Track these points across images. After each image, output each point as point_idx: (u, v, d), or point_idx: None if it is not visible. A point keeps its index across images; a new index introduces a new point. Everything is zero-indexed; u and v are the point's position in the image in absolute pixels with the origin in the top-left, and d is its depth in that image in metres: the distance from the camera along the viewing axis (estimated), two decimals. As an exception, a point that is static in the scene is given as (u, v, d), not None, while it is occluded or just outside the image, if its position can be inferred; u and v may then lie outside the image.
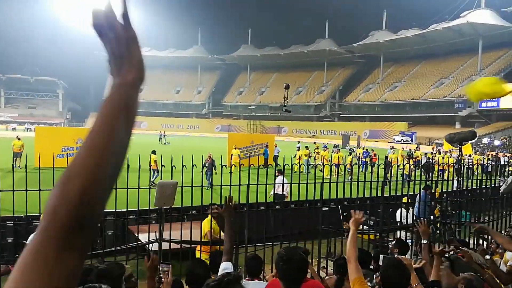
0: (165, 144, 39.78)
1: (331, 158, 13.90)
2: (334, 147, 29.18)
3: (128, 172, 4.58)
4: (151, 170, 14.30)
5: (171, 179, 5.18)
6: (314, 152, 24.56)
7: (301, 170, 14.76)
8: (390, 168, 10.93)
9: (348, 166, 10.24)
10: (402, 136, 53.34)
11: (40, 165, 4.99)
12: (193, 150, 18.09)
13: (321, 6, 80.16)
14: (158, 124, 72.95)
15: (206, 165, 14.33)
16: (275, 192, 8.59)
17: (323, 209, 6.77)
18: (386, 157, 13.59)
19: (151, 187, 5.68)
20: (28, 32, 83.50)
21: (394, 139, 53.39)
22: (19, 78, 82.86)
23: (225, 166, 5.92)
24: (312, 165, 18.98)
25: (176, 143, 40.92)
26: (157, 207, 5.26)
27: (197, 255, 5.87)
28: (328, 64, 77.02)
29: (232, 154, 20.34)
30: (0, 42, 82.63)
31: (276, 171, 10.69)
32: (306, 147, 24.61)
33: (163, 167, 5.88)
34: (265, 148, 23.32)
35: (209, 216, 5.96)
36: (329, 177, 6.63)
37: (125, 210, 5.67)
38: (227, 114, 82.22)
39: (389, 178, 9.11)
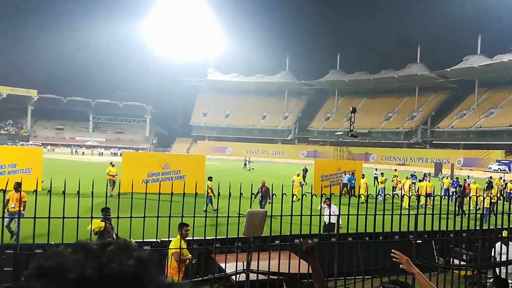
0: (249, 170, 39.97)
1: (417, 188, 12.85)
2: (424, 176, 26.72)
3: (218, 200, 4.78)
4: (207, 197, 14.10)
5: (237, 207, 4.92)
6: (393, 180, 22.98)
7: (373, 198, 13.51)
8: (463, 198, 10.62)
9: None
10: (499, 165, 50.13)
11: (120, 190, 4.98)
12: (278, 177, 17.51)
13: (412, 30, 77.43)
14: (243, 149, 74.68)
15: (261, 193, 14.03)
16: (326, 222, 8.46)
17: (417, 241, 6.41)
18: (461, 186, 12.48)
19: (238, 215, 5.45)
20: (119, 59, 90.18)
21: (490, 167, 50.62)
22: (108, 104, 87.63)
23: (285, 194, 5.45)
24: (388, 194, 17.32)
25: (261, 169, 41.10)
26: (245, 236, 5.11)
27: None
28: (419, 89, 73.88)
29: (293, 181, 19.46)
30: (92, 68, 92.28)
31: (327, 200, 9.93)
32: (382, 173, 23.31)
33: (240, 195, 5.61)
34: (350, 176, 22.18)
35: (177, 236, 5.95)
36: (407, 207, 6.47)
37: (210, 238, 5.85)
38: (313, 140, 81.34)
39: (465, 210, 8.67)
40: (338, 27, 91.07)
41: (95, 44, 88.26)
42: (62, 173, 14.57)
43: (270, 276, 5.24)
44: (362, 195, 16.04)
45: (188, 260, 6.36)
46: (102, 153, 69.46)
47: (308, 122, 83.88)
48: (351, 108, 21.08)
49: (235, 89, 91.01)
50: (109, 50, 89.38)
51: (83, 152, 69.01)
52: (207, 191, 14.14)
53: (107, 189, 15.23)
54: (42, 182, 15.01)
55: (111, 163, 19.35)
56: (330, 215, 8.00)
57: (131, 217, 4.65)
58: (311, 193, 5.29)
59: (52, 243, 5.30)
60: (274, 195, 5.75)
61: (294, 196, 6.54)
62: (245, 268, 4.97)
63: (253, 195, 5.61)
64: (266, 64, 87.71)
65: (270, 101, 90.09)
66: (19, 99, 79.98)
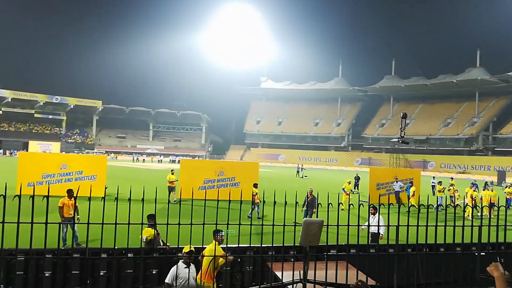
0: (302, 177, 39.91)
1: (480, 197, 12.21)
2: (485, 185, 24.99)
3: (263, 207, 4.89)
4: (253, 204, 13.90)
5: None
6: (449, 189, 21.64)
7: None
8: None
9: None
10: None
11: (179, 197, 5.36)
12: (331, 184, 17.15)
13: (472, 34, 73.42)
14: (295, 156, 74.53)
15: (307, 202, 13.52)
16: (371, 231, 8.31)
17: (481, 254, 6.14)
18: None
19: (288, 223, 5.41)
20: (177, 70, 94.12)
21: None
22: (166, 113, 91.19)
23: (331, 204, 5.27)
24: (450, 205, 16.36)
25: (314, 176, 40.91)
26: (301, 245, 5.09)
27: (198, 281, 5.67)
28: (480, 94, 69.50)
29: (343, 189, 19.22)
30: (152, 79, 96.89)
31: (371, 208, 9.53)
32: (440, 182, 22.06)
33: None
34: (408, 185, 21.26)
35: (213, 242, 5.98)
36: (469, 218, 6.44)
37: (264, 245, 5.73)
38: (367, 147, 79.29)
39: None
40: (392, 32, 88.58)
41: (155, 56, 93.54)
42: (125, 180, 15.44)
43: (327, 287, 5.15)
44: (413, 205, 15.65)
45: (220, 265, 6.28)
46: (161, 160, 73.02)
47: (362, 129, 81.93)
48: (402, 113, 20.39)
49: (288, 97, 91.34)
50: (168, 62, 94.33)
51: (144, 160, 72.79)
52: (253, 198, 14.30)
53: (169, 196, 15.90)
54: (106, 188, 16.16)
55: (171, 170, 19.63)
56: (369, 225, 7.89)
57: (179, 224, 4.75)
58: (368, 202, 5.32)
59: (116, 247, 5.75)
60: (319, 204, 5.65)
61: (341, 205, 6.38)
62: (301, 277, 4.93)
63: (297, 203, 5.63)
64: (319, 71, 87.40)
65: (323, 108, 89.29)
66: (85, 110, 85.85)
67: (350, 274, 5.08)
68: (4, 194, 4.40)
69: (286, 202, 4.99)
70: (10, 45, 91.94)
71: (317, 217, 9.39)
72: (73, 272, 6.40)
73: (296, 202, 5.12)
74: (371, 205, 9.35)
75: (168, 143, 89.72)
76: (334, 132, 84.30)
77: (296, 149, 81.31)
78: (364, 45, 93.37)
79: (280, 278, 5.92)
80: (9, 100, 76.89)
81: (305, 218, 4.71)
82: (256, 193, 14.34)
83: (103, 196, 4.83)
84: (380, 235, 8.76)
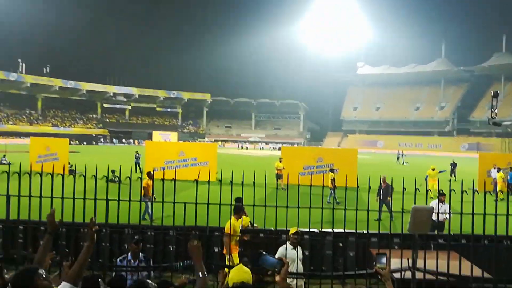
0: (403, 164, 40.37)
1: None
2: None
3: (369, 193, 5.00)
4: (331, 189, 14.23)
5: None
6: None
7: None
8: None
9: None
10: None
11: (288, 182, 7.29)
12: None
13: None
14: (395, 143, 73.39)
15: (382, 191, 12.29)
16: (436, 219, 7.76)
17: None
18: None
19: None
20: (275, 60, 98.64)
21: None
22: (267, 102, 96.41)
23: (418, 189, 4.81)
24: None
25: (415, 163, 40.93)
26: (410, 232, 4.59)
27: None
28: None
29: (427, 176, 17.80)
30: (253, 71, 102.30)
31: (441, 196, 9.09)
32: None
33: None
34: (510, 172, 19.39)
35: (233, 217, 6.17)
36: None
37: (366, 232, 5.82)
38: (475, 131, 74.95)
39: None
40: (502, 4, 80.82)
41: (256, 49, 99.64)
42: (232, 166, 15.96)
43: (438, 277, 4.77)
44: (500, 192, 14.84)
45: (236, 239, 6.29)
46: (262, 147, 79.23)
47: (469, 112, 77.39)
48: (492, 92, 17.54)
49: (386, 81, 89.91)
50: (267, 54, 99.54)
51: (247, 147, 79.49)
52: (332, 183, 14.38)
53: (276, 182, 17.74)
54: (216, 173, 19.52)
55: (280, 158, 19.80)
56: (439, 212, 7.46)
57: (265, 205, 4.92)
58: (473, 188, 4.67)
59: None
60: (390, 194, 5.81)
61: (429, 192, 6.69)
62: (410, 265, 4.64)
63: (405, 190, 5.04)
64: (419, 53, 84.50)
65: (424, 91, 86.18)
66: (197, 103, 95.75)
67: (463, 265, 4.70)
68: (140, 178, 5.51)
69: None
70: (134, 49, 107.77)
71: (391, 204, 9.94)
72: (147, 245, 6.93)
73: (404, 189, 4.86)
74: (441, 191, 9.12)
75: (268, 131, 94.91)
76: (437, 116, 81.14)
77: (395, 135, 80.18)
78: (469, 22, 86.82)
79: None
80: (136, 96, 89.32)
81: (413, 205, 4.25)
82: (333, 178, 14.37)
83: (216, 180, 5.19)
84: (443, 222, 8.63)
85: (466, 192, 4.71)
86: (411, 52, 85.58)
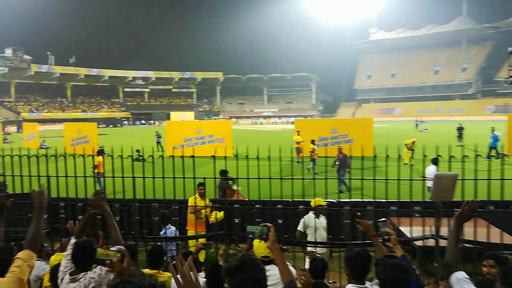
0: (422, 131, 38.77)
1: None
2: None
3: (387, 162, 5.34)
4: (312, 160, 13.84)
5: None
6: None
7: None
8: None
9: None
10: None
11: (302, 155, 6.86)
12: (453, 137, 15.89)
13: None
14: (413, 109, 70.96)
15: (337, 162, 11.80)
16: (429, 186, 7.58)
17: None
18: None
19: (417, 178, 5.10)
20: (284, 34, 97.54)
21: None
22: (278, 77, 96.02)
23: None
24: None
25: (435, 129, 39.44)
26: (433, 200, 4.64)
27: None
28: None
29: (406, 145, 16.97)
30: (262, 47, 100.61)
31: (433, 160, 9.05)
32: None
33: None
34: None
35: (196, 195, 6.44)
36: None
37: (385, 200, 5.63)
38: (502, 92, 70.83)
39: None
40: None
41: (264, 24, 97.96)
42: (247, 141, 16.85)
43: (463, 244, 4.39)
44: None
45: (203, 213, 6.46)
46: (276, 122, 78.24)
47: (495, 72, 73.01)
48: (509, 49, 15.29)
49: (401, 46, 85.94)
50: (276, 27, 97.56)
51: (261, 122, 78.64)
52: (310, 154, 14.20)
53: (297, 155, 17.31)
54: (233, 149, 18.72)
55: (297, 131, 19.19)
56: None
57: (258, 178, 4.91)
58: (503, 153, 4.75)
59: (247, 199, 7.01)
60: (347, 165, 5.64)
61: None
62: (433, 233, 4.60)
63: (425, 156, 5.17)
64: (437, 12, 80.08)
65: (444, 53, 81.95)
66: (210, 81, 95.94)
67: (492, 233, 4.47)
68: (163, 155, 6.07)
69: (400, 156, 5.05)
70: (149, 36, 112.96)
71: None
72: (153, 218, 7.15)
73: (425, 156, 4.89)
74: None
75: (281, 106, 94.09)
76: (459, 79, 77.23)
77: (413, 101, 77.21)
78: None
79: (405, 233, 5.54)
80: (154, 79, 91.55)
81: (436, 172, 4.21)
82: (313, 149, 14.09)
83: (232, 155, 6.06)
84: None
85: (481, 156, 4.90)
86: (428, 12, 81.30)
